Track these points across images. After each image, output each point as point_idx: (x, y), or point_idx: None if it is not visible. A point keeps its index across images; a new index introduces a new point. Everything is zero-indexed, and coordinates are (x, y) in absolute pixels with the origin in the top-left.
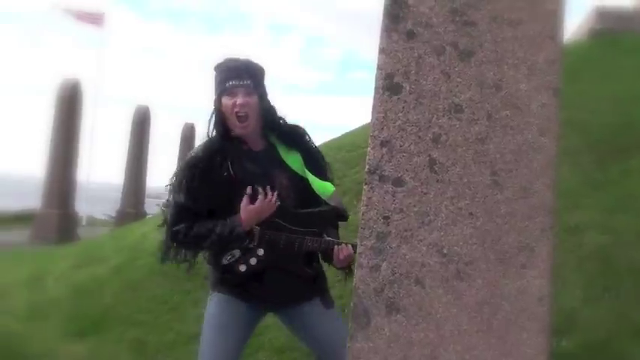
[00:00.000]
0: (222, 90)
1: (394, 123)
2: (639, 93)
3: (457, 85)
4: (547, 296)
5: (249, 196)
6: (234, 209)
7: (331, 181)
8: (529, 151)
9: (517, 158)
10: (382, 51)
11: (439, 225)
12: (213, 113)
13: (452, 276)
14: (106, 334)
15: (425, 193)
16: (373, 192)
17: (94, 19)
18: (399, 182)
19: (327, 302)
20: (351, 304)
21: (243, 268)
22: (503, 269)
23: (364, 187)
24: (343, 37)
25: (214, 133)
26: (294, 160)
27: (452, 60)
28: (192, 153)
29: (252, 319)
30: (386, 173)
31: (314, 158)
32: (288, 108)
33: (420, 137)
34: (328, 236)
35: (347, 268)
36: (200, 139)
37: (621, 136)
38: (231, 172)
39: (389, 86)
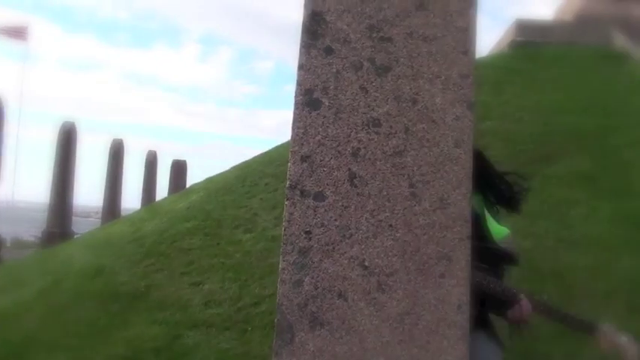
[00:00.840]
0: None
1: (314, 138)
2: (559, 103)
3: (375, 100)
4: (466, 304)
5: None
6: None
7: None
8: (445, 163)
9: (434, 170)
10: (301, 67)
11: (360, 238)
12: None
13: (373, 288)
14: None
15: (345, 207)
16: (295, 207)
17: (17, 33)
18: (319, 197)
19: (493, 336)
20: (275, 321)
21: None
22: (423, 279)
23: (285, 202)
24: (276, 50)
25: None
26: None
27: (369, 75)
28: None
29: None
30: (307, 188)
31: (495, 188)
32: (223, 122)
33: (339, 152)
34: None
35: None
36: (129, 154)
37: (542, 145)
38: None
39: (308, 102)
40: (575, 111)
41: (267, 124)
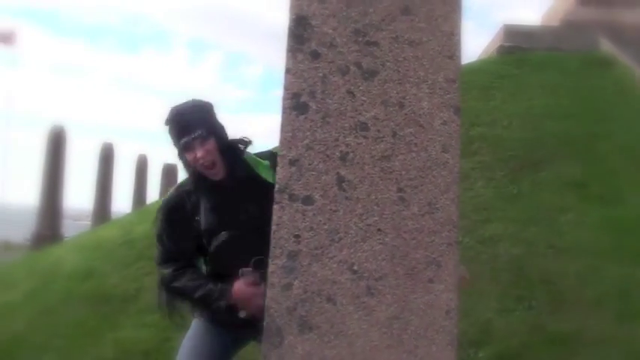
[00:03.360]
0: (180, 148)
1: (302, 142)
2: (547, 108)
3: (362, 104)
4: (454, 309)
5: (248, 276)
6: (208, 249)
7: None
8: (433, 168)
9: (422, 174)
10: (288, 71)
11: (349, 242)
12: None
13: (362, 292)
14: None
15: (334, 211)
16: (283, 211)
17: (4, 38)
18: (308, 200)
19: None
20: (264, 324)
21: (243, 314)
22: (411, 284)
23: (274, 206)
24: (264, 56)
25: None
26: (268, 174)
27: (356, 79)
28: (167, 195)
29: (234, 346)
30: (295, 192)
31: None
32: None
33: (327, 155)
34: None
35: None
36: (119, 158)
37: (532, 151)
38: (200, 218)
39: (296, 106)
40: (563, 117)
41: (257, 129)
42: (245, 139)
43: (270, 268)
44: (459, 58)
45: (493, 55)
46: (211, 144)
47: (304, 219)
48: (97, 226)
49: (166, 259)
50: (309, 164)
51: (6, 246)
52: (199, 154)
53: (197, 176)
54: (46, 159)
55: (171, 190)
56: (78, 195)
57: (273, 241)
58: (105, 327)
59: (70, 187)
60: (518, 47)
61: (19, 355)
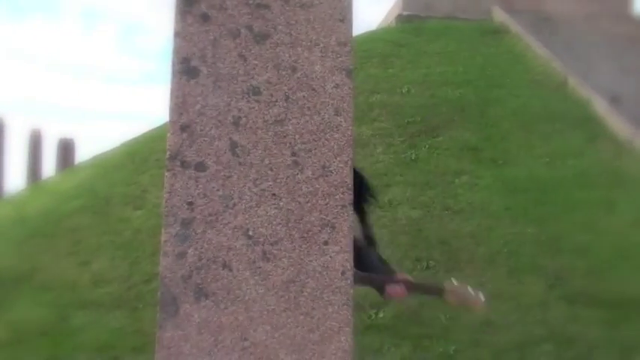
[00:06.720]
0: None
1: (193, 107)
2: (444, 76)
3: (254, 68)
4: (349, 270)
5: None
6: None
7: None
8: (326, 131)
9: (315, 138)
10: (177, 34)
11: (243, 207)
12: None
13: (258, 257)
14: None
15: (228, 177)
16: (175, 178)
17: None
18: (201, 167)
19: None
20: (159, 294)
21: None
22: (307, 247)
23: (166, 173)
24: (164, 26)
25: None
26: None
27: (248, 43)
28: None
29: None
30: (187, 159)
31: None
32: (112, 98)
33: (220, 121)
34: None
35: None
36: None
37: (429, 117)
38: None
39: (186, 70)
40: (459, 84)
41: (158, 100)
42: None
43: (164, 237)
44: (350, 21)
45: (392, 23)
46: None
47: (197, 186)
48: None
49: None
50: (201, 130)
51: None
52: None
53: None
54: None
55: None
56: None
57: (165, 210)
58: None
59: None
60: (416, 16)
61: None
